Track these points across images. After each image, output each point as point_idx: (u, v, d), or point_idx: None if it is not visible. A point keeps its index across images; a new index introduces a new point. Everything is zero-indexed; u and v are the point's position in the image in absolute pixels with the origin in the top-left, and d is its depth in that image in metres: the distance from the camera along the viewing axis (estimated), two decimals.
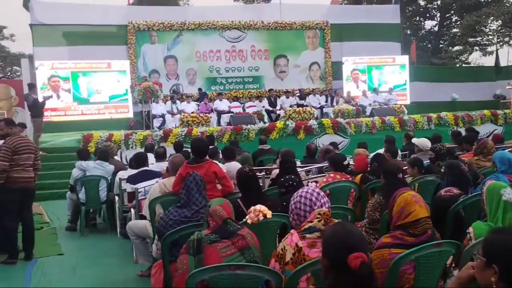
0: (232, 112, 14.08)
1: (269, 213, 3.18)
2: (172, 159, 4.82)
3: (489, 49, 25.43)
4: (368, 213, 3.65)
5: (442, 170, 4.24)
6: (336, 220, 2.57)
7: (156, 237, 3.53)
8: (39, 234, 6.19)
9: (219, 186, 4.41)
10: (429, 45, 29.15)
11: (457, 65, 25.75)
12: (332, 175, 4.81)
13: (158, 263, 3.46)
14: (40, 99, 11.14)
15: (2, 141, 5.53)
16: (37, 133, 10.74)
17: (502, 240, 1.74)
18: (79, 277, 4.97)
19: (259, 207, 3.20)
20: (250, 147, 9.80)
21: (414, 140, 6.87)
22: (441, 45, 27.72)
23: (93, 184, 6.75)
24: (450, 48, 25.99)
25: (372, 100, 15.81)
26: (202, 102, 14.51)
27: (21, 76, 18.23)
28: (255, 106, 14.99)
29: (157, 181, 4.93)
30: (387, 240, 2.60)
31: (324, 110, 15.07)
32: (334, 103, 15.54)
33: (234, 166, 5.50)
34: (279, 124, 12.41)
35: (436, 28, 29.07)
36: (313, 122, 12.65)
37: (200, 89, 15.94)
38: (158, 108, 13.67)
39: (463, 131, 9.88)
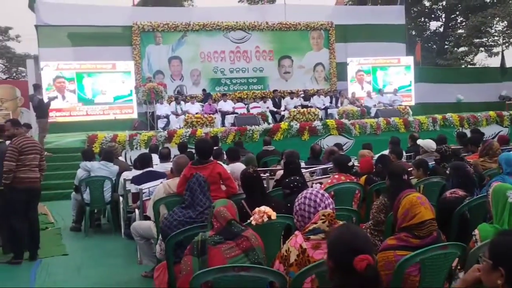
0: (237, 113, 14.08)
1: (273, 215, 3.17)
2: (177, 160, 4.81)
3: (495, 50, 25.31)
4: (373, 215, 3.64)
5: (448, 172, 4.22)
6: (341, 222, 2.57)
7: (160, 237, 3.53)
8: (44, 234, 6.23)
9: (223, 187, 4.41)
10: (434, 46, 29.04)
11: (463, 66, 25.62)
12: (336, 176, 4.80)
13: (161, 266, 3.46)
14: (45, 100, 11.19)
15: (8, 141, 5.58)
16: (42, 134, 10.79)
17: (508, 243, 1.73)
18: (84, 277, 4.98)
19: (263, 208, 3.19)
20: (255, 148, 9.79)
21: (419, 141, 6.84)
22: (446, 46, 27.61)
23: (97, 184, 6.77)
24: (455, 49, 25.89)
25: (377, 101, 15.77)
26: (207, 103, 14.52)
27: (27, 77, 18.33)
28: (259, 107, 15.00)
29: (161, 182, 4.93)
30: (392, 242, 2.58)
31: (329, 111, 15.05)
32: (339, 104, 15.52)
33: (238, 167, 5.49)
34: (284, 125, 12.39)
35: (441, 29, 28.96)
36: (317, 123, 12.62)
37: (204, 90, 15.95)
38: (162, 109, 13.69)
39: (468, 133, 9.83)
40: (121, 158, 8.41)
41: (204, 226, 3.08)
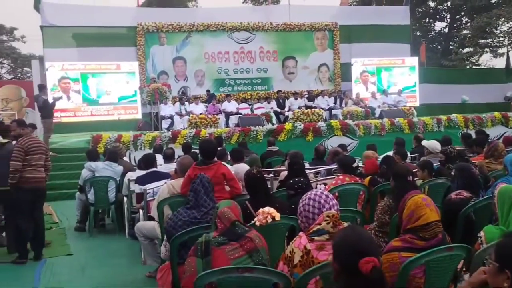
0: (241, 114, 14.08)
1: (277, 215, 3.17)
2: (181, 161, 4.82)
3: (500, 50, 25.20)
4: (378, 216, 3.62)
5: (453, 173, 4.20)
6: (345, 223, 2.56)
7: (165, 238, 3.53)
8: (48, 234, 6.25)
9: (227, 188, 4.40)
10: (439, 47, 28.95)
11: (467, 67, 25.52)
12: (341, 177, 4.79)
13: (163, 267, 3.46)
14: (50, 100, 11.22)
15: (15, 141, 5.61)
16: (47, 134, 10.82)
17: None
18: (88, 278, 4.99)
19: (267, 209, 3.18)
20: (258, 149, 9.79)
21: (424, 142, 6.82)
22: (451, 47, 27.52)
23: (102, 184, 6.78)
24: (460, 49, 25.80)
25: (381, 102, 15.74)
26: (210, 104, 14.54)
27: (32, 77, 18.43)
28: (263, 107, 14.98)
29: (165, 182, 4.94)
30: (397, 243, 2.57)
31: (333, 111, 15.03)
32: (343, 105, 15.50)
33: (242, 167, 5.48)
34: (288, 125, 12.38)
35: (446, 30, 28.87)
36: (321, 124, 12.61)
37: (208, 91, 15.96)
38: (166, 109, 13.71)
39: (473, 134, 9.79)
40: (126, 159, 8.43)
41: (208, 226, 3.08)
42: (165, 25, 16.09)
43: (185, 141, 10.80)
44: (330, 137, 12.38)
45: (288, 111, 14.58)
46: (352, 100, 15.80)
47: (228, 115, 14.08)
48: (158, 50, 16.20)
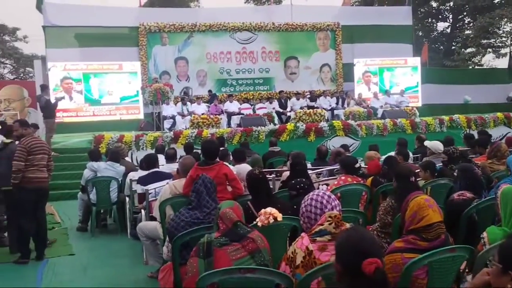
0: (242, 114, 14.08)
1: (279, 216, 3.16)
2: (183, 161, 4.81)
3: (503, 51, 25.18)
4: (380, 217, 3.62)
5: (455, 174, 4.19)
6: (347, 224, 2.55)
7: (167, 238, 3.53)
8: (50, 234, 6.26)
9: (229, 188, 4.40)
10: (442, 47, 28.90)
11: (470, 67, 25.47)
12: (343, 177, 4.78)
13: (165, 267, 3.45)
14: (52, 100, 11.24)
15: (17, 141, 5.62)
16: (49, 134, 10.84)
17: None
18: (90, 278, 4.99)
19: (269, 209, 3.18)
20: (260, 149, 9.76)
21: (426, 143, 6.81)
22: (453, 47, 27.47)
23: (104, 185, 6.79)
24: (463, 50, 25.74)
25: (384, 102, 15.72)
26: (212, 104, 14.54)
27: (34, 77, 18.45)
28: (265, 107, 14.98)
29: (167, 183, 4.93)
30: (400, 244, 2.57)
31: (335, 112, 15.01)
32: (345, 105, 15.48)
33: (244, 168, 5.48)
34: (290, 126, 12.37)
35: (448, 30, 28.83)
36: (323, 124, 12.60)
37: (210, 91, 15.97)
38: (168, 109, 13.72)
39: (475, 134, 9.76)
40: (128, 159, 8.44)
41: (210, 227, 3.08)
42: (167, 25, 16.11)
43: (187, 141, 10.80)
44: (332, 137, 12.37)
45: (290, 112, 14.57)
46: (354, 100, 15.79)
47: (230, 115, 14.08)
48: (160, 50, 16.22)
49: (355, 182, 4.71)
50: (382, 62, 17.71)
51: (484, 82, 19.02)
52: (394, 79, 17.74)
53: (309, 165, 6.35)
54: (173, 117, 13.60)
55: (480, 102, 17.67)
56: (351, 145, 11.45)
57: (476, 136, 8.64)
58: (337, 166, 5.79)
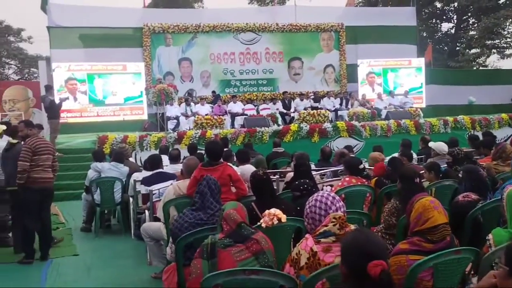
0: (246, 115, 14.07)
1: (283, 217, 3.15)
2: (187, 162, 4.81)
3: (507, 51, 25.02)
4: (384, 218, 3.60)
5: (460, 175, 4.17)
6: (352, 225, 2.54)
7: (171, 239, 3.52)
8: (55, 234, 6.27)
9: (233, 189, 4.39)
10: (446, 48, 28.79)
11: (474, 68, 25.38)
12: (347, 179, 4.77)
13: (169, 268, 3.45)
14: (57, 101, 11.27)
15: (22, 142, 5.64)
16: (53, 134, 10.87)
17: None
18: (94, 278, 5.00)
19: (273, 210, 3.17)
20: (264, 150, 9.77)
21: (431, 144, 6.78)
22: (458, 48, 27.36)
23: (108, 185, 6.79)
24: (467, 50, 25.64)
25: (388, 103, 15.68)
26: (216, 104, 14.54)
27: (39, 77, 18.53)
28: (269, 108, 14.96)
29: (171, 183, 4.94)
30: (405, 246, 2.56)
31: (339, 113, 14.98)
32: (349, 106, 15.46)
33: (248, 169, 5.47)
34: (293, 126, 12.36)
35: (453, 31, 28.71)
36: (327, 125, 12.59)
37: (214, 92, 15.98)
38: (172, 110, 13.73)
39: (480, 135, 9.73)
40: (131, 159, 8.44)
41: (214, 228, 3.07)
42: (171, 26, 16.13)
43: (190, 142, 10.83)
44: (336, 138, 12.35)
45: (293, 112, 14.55)
46: (358, 101, 15.77)
47: (233, 116, 14.08)
48: (164, 51, 16.23)
49: (359, 183, 4.70)
50: (386, 63, 17.67)
51: (488, 83, 18.93)
52: (398, 80, 17.70)
53: (313, 166, 6.34)
54: (177, 118, 13.61)
55: (484, 103, 17.60)
56: (355, 146, 11.42)
57: (481, 137, 8.61)
58: (341, 167, 5.78)
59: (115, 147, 9.92)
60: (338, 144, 11.73)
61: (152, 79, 15.50)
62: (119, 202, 6.87)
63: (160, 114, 13.73)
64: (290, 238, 3.33)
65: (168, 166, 6.59)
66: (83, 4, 16.03)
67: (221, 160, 4.58)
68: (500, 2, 24.74)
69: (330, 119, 13.98)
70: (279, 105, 15.02)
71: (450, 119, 13.43)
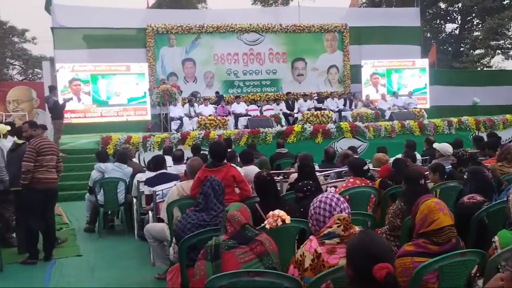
0: (250, 115, 14.06)
1: (287, 218, 3.14)
2: (190, 163, 4.81)
3: None
4: (389, 220, 3.58)
5: (465, 176, 4.15)
6: (356, 226, 2.53)
7: (174, 240, 3.52)
8: (59, 235, 6.28)
9: (237, 190, 4.38)
10: (450, 49, 28.73)
11: (479, 69, 25.29)
12: (351, 180, 4.74)
13: (174, 268, 3.44)
14: (61, 102, 11.30)
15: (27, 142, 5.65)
16: (57, 135, 10.91)
17: None
18: (97, 279, 5.00)
19: (277, 212, 3.16)
20: (268, 151, 9.75)
21: (435, 145, 6.75)
22: (462, 49, 27.29)
23: (111, 186, 6.80)
24: (472, 51, 25.57)
25: (392, 104, 15.64)
26: (220, 105, 14.54)
27: (42, 78, 18.58)
28: (272, 109, 14.95)
29: (175, 184, 4.93)
30: (410, 248, 2.54)
31: (343, 113, 14.95)
32: (353, 107, 15.43)
33: (252, 170, 5.46)
34: (297, 127, 12.35)
35: (457, 31, 28.65)
36: (331, 126, 12.56)
37: (217, 92, 15.98)
38: (176, 110, 13.73)
39: (484, 136, 9.68)
40: (135, 160, 8.45)
41: (217, 229, 3.06)
42: (174, 26, 16.14)
43: (194, 142, 10.82)
44: (340, 139, 12.33)
45: (297, 113, 14.53)
46: (362, 102, 15.74)
47: (237, 116, 14.07)
48: (167, 52, 16.24)
49: (363, 184, 4.68)
50: (390, 64, 17.63)
51: (493, 83, 18.87)
52: (402, 80, 17.65)
53: (316, 167, 6.32)
54: (180, 118, 13.61)
55: (489, 104, 17.53)
56: (359, 147, 11.41)
57: (485, 138, 8.56)
58: (344, 168, 5.75)
59: (118, 147, 9.92)
60: (342, 145, 11.70)
61: (156, 79, 15.52)
62: (122, 202, 6.87)
63: (164, 115, 13.73)
64: (294, 240, 3.31)
65: (171, 167, 6.59)
66: (87, 5, 16.09)
67: (225, 161, 4.57)
68: (505, 2, 24.67)
69: (333, 120, 13.95)
70: (282, 105, 15.00)
71: (454, 120, 13.38)
